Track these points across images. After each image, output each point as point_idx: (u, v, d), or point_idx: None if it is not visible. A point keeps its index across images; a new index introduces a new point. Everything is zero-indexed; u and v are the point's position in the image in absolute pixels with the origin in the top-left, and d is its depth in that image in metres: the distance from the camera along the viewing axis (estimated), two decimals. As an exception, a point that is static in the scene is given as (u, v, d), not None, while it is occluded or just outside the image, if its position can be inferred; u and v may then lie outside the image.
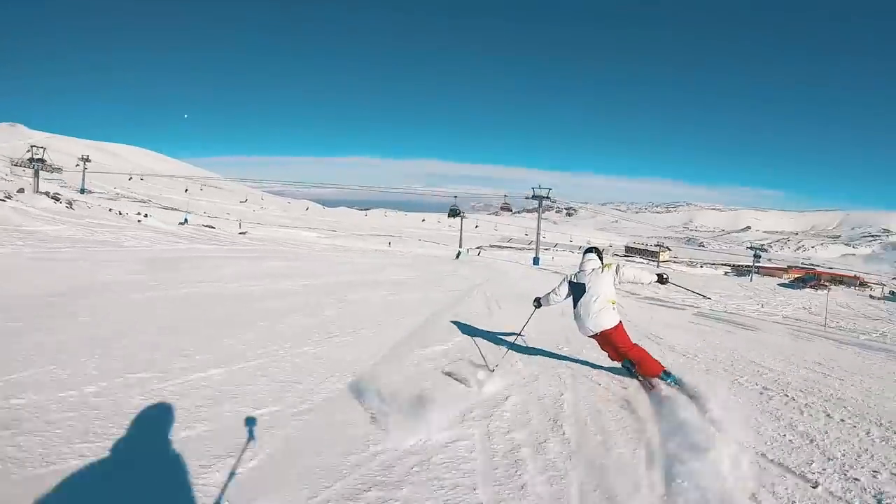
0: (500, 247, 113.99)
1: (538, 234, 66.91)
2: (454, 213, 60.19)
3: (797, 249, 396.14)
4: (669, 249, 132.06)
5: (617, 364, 7.43)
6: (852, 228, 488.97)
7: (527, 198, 61.42)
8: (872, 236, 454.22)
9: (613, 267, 7.09)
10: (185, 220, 59.59)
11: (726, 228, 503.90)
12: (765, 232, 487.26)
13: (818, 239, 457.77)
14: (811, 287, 68.01)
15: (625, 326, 6.94)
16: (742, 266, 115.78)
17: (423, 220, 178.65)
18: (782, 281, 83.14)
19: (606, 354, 7.30)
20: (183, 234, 30.72)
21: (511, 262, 51.65)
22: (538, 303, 7.86)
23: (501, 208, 59.79)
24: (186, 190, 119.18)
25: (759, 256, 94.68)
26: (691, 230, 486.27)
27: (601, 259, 7.30)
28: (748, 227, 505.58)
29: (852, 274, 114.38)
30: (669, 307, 20.67)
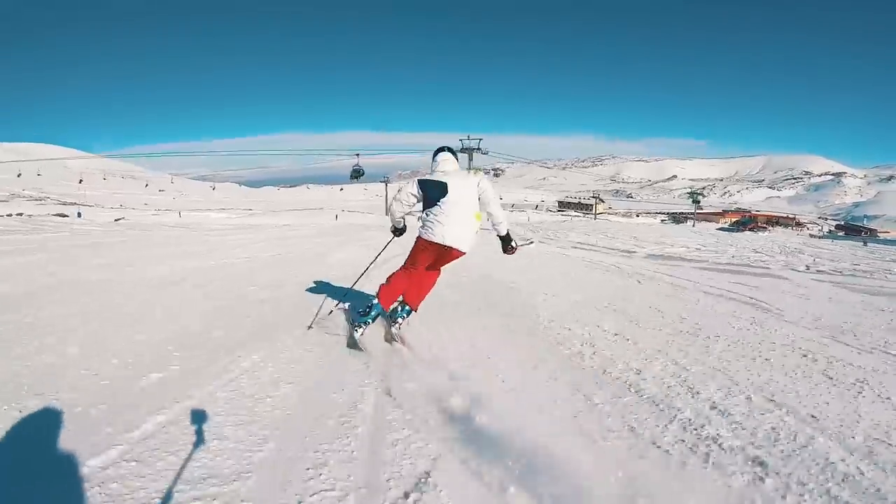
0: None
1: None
2: (357, 173, 50.66)
3: (723, 195, 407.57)
4: (603, 201, 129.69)
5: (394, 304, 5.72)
6: (775, 172, 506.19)
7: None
8: (795, 178, 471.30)
9: (481, 174, 5.60)
10: (79, 213, 53.43)
11: (652, 179, 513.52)
12: (690, 180, 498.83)
13: (742, 184, 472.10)
14: (749, 230, 67.61)
15: None
16: (678, 213, 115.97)
17: (342, 190, 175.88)
18: (721, 225, 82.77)
19: (391, 280, 5.67)
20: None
21: None
22: (393, 231, 6.27)
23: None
24: (81, 181, 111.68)
25: (699, 202, 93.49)
26: (619, 182, 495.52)
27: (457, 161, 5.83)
28: (674, 177, 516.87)
29: (786, 215, 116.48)
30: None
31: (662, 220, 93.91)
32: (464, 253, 5.34)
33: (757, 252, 18.33)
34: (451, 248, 5.24)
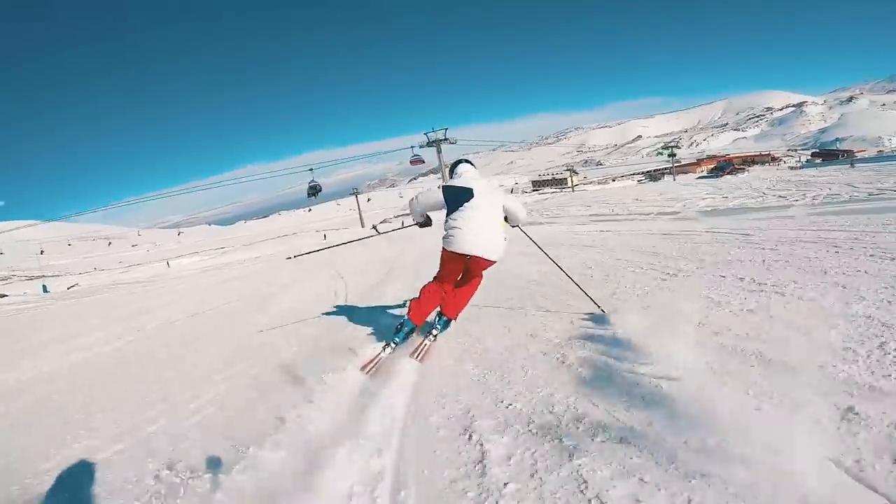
0: (406, 214, 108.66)
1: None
2: (313, 190, 46.34)
3: (690, 145, 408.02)
4: (577, 173, 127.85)
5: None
6: (737, 114, 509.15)
7: (417, 146, 50.26)
8: (757, 116, 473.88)
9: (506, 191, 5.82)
10: (44, 287, 50.77)
11: (618, 143, 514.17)
12: (655, 137, 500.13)
13: (707, 131, 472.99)
14: (728, 173, 68.27)
15: None
16: (654, 171, 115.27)
17: (309, 211, 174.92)
18: (700, 174, 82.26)
19: (419, 296, 5.30)
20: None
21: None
22: (420, 224, 6.04)
23: (412, 163, 49.22)
24: (42, 252, 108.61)
25: (674, 155, 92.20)
26: (586, 152, 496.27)
27: None
28: (639, 137, 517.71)
29: (759, 153, 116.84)
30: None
31: (639, 181, 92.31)
32: (492, 262, 5.10)
33: (764, 192, 17.28)
34: (476, 257, 4.98)
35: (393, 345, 5.07)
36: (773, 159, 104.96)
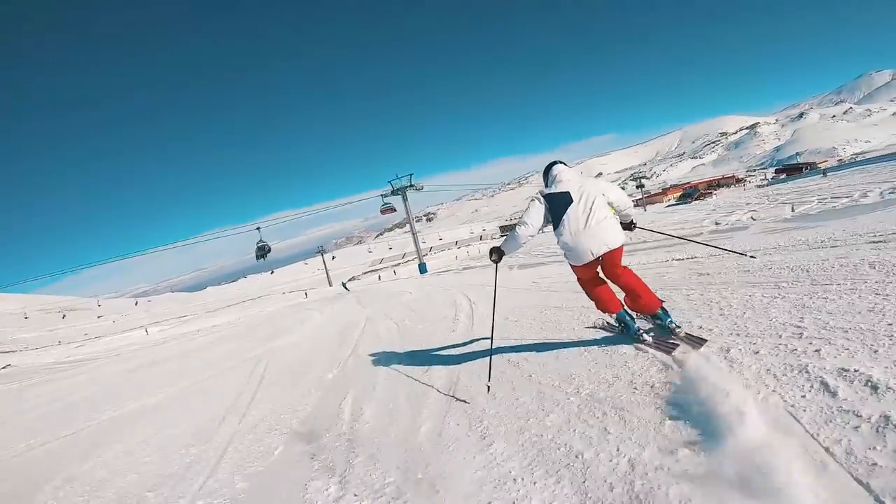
0: (373, 270, 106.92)
1: (414, 234, 53.27)
2: (262, 251, 42.69)
3: (651, 177, 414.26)
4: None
5: (607, 317, 5.80)
6: (693, 142, 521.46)
7: (383, 195, 48.27)
8: (713, 142, 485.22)
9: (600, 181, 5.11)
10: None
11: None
12: (616, 172, 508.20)
13: (666, 162, 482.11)
14: (696, 199, 68.80)
15: None
16: None
17: (272, 273, 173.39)
18: (668, 203, 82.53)
19: (594, 302, 5.23)
20: None
21: (395, 280, 42.56)
22: (497, 254, 5.32)
23: (382, 212, 47.55)
24: None
25: (643, 185, 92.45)
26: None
27: None
28: (600, 174, 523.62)
29: (722, 176, 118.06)
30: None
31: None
32: (619, 247, 4.74)
33: (744, 211, 16.74)
34: (600, 254, 4.70)
35: (641, 332, 5.06)
36: (738, 181, 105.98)
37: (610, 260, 4.76)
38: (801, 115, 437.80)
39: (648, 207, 73.42)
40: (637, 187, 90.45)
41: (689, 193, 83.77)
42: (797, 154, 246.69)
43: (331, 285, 73.33)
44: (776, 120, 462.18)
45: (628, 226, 5.33)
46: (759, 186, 66.75)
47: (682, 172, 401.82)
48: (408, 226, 50.95)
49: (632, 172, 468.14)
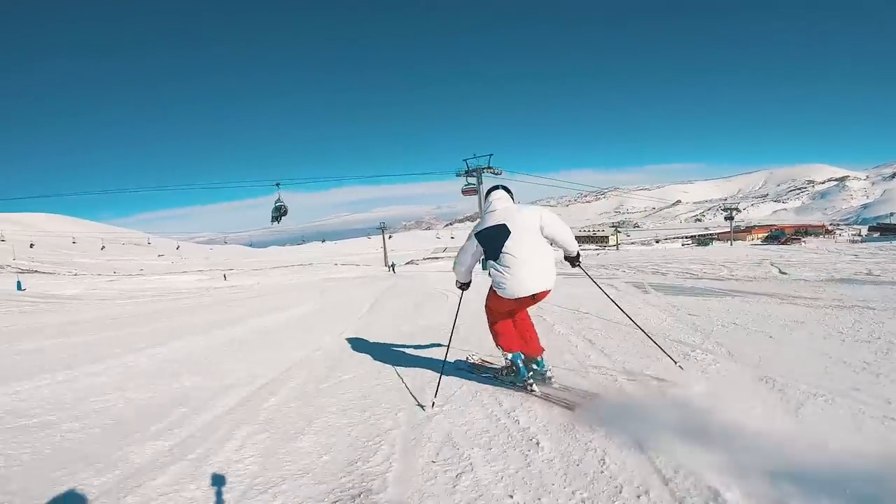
0: (435, 258, 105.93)
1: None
2: (278, 212, 36.97)
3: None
4: (620, 231, 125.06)
5: (505, 354, 5.24)
6: (778, 185, 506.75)
7: (458, 174, 43.98)
8: (799, 189, 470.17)
9: (543, 208, 5.04)
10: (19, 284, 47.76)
11: (657, 206, 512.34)
12: (695, 203, 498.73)
13: (748, 200, 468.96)
14: (783, 243, 65.25)
15: None
16: (701, 236, 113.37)
17: (323, 241, 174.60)
18: (753, 242, 79.65)
19: (497, 336, 5.24)
20: None
21: (447, 270, 38.10)
22: (462, 284, 5.65)
23: (464, 192, 43.25)
24: (73, 242, 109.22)
25: (733, 217, 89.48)
26: (623, 213, 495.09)
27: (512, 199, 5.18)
28: (678, 202, 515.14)
29: (811, 224, 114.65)
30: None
31: (683, 244, 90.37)
32: (549, 290, 4.83)
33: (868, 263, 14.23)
34: (539, 291, 4.74)
35: (531, 381, 5.00)
36: (828, 231, 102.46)
37: (535, 300, 4.83)
38: (893, 175, 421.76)
39: (717, 244, 71.37)
40: (726, 219, 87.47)
41: (777, 235, 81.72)
42: (891, 214, 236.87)
43: (385, 265, 73.21)
44: (867, 176, 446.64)
45: (573, 260, 5.32)
46: (851, 241, 63.22)
47: (762, 214, 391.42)
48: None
49: (717, 204, 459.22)
